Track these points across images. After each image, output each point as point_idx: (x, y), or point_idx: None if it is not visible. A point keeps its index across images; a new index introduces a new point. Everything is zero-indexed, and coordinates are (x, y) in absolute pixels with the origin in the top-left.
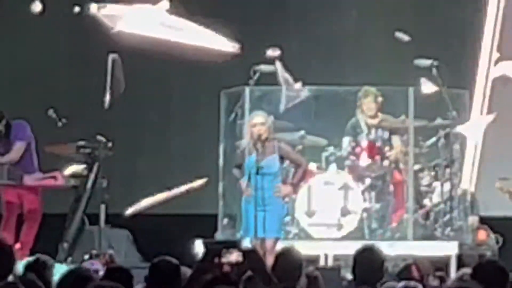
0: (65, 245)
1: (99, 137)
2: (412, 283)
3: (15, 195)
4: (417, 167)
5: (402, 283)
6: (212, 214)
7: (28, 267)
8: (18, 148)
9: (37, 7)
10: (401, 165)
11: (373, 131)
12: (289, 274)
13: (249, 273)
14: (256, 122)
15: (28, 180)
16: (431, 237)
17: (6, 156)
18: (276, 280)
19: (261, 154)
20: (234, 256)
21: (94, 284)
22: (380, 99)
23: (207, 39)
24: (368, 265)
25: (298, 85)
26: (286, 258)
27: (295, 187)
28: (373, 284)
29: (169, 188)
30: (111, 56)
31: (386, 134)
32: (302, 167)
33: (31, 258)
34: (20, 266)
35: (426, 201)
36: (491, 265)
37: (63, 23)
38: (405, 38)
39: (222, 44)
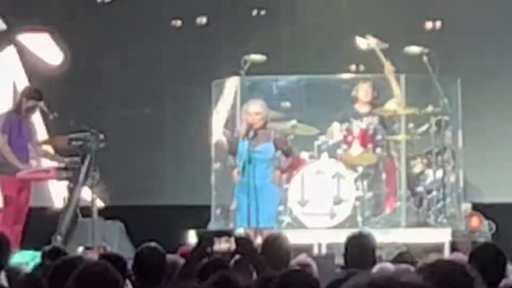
0: (58, 237)
1: (91, 130)
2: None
3: (14, 189)
4: (409, 154)
5: None
6: (205, 205)
7: None
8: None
9: None
10: (393, 153)
11: (364, 119)
12: (278, 259)
13: (238, 257)
14: (251, 111)
15: (21, 173)
16: (424, 224)
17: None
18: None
19: (253, 142)
20: (226, 245)
21: (83, 265)
22: (375, 93)
23: None
24: (360, 250)
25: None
26: (274, 244)
27: (284, 173)
28: (365, 269)
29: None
30: None
31: (377, 122)
32: (290, 159)
33: None
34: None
35: (418, 189)
36: (488, 249)
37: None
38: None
39: None
